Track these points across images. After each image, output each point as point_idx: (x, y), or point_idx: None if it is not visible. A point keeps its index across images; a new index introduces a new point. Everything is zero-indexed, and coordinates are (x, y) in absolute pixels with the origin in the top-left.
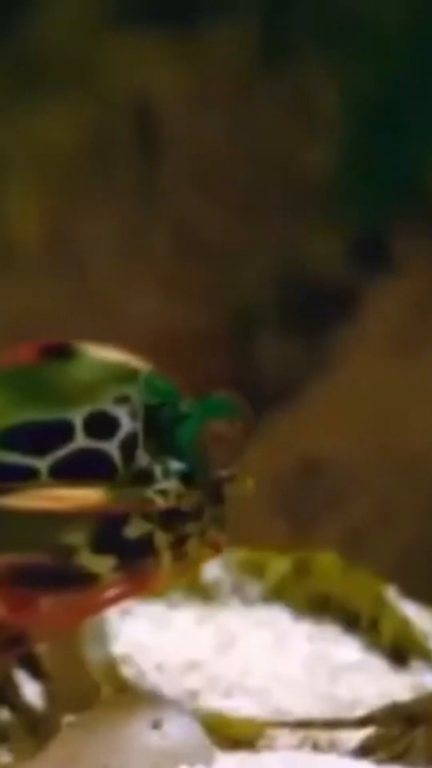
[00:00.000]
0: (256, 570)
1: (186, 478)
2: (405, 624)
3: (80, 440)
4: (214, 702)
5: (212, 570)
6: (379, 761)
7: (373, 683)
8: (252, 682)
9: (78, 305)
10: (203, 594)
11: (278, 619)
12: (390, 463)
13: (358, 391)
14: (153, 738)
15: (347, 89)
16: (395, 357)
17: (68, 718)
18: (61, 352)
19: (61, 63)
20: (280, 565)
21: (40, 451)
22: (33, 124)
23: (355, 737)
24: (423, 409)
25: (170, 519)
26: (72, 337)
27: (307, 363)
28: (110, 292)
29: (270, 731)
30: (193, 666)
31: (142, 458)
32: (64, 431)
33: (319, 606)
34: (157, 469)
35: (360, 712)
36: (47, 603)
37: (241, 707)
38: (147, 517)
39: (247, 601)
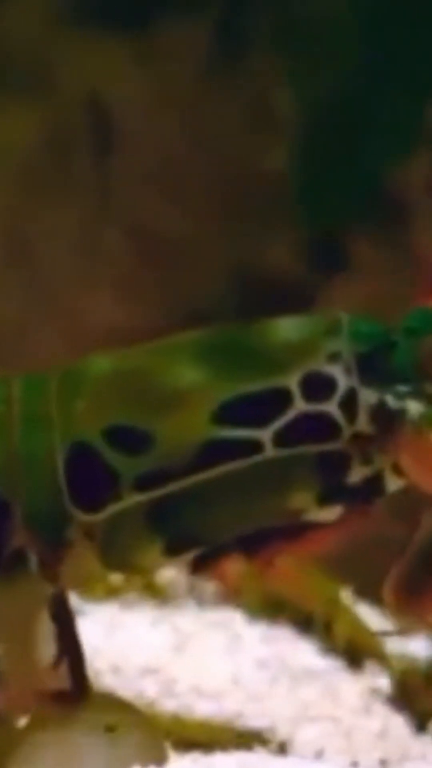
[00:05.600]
0: None
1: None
2: (359, 626)
3: (300, 405)
4: (169, 704)
5: (167, 571)
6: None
7: (328, 685)
8: (207, 684)
9: (33, 305)
10: (158, 595)
11: (233, 620)
12: None
13: None
14: (107, 740)
15: (304, 89)
16: None
17: (22, 720)
18: None
19: (16, 62)
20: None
21: (261, 422)
22: None
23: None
24: None
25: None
26: (28, 337)
27: None
28: (66, 291)
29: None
30: (148, 667)
31: (370, 396)
32: (282, 398)
33: (273, 607)
34: (389, 399)
35: (314, 713)
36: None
37: (196, 709)
38: (367, 460)
39: (201, 602)
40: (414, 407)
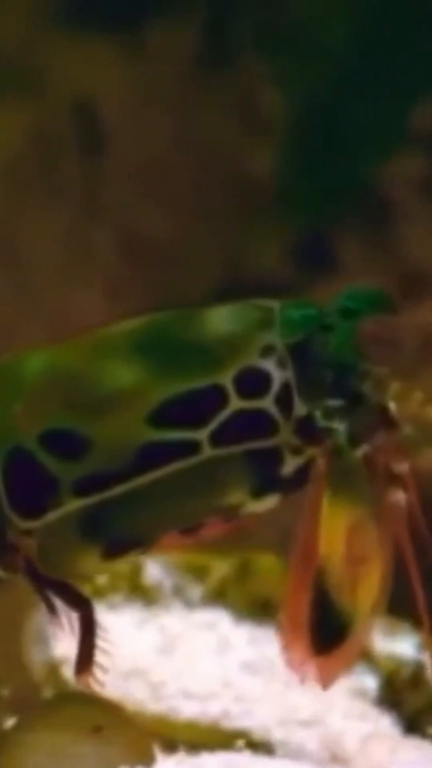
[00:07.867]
0: (197, 572)
1: (348, 409)
2: None
3: (235, 403)
4: (155, 705)
5: (153, 572)
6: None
7: (315, 686)
8: (194, 685)
9: (21, 305)
10: (144, 596)
11: (219, 621)
12: None
13: None
14: (94, 741)
15: (290, 91)
16: None
17: (9, 721)
18: None
19: (4, 62)
20: (220, 567)
21: (197, 422)
22: None
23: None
24: None
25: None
26: (15, 338)
27: None
28: (54, 292)
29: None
30: (134, 669)
31: (300, 408)
32: (217, 396)
33: (260, 608)
34: (317, 413)
35: (302, 714)
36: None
37: (183, 710)
38: (298, 451)
39: (188, 604)
40: (341, 430)
